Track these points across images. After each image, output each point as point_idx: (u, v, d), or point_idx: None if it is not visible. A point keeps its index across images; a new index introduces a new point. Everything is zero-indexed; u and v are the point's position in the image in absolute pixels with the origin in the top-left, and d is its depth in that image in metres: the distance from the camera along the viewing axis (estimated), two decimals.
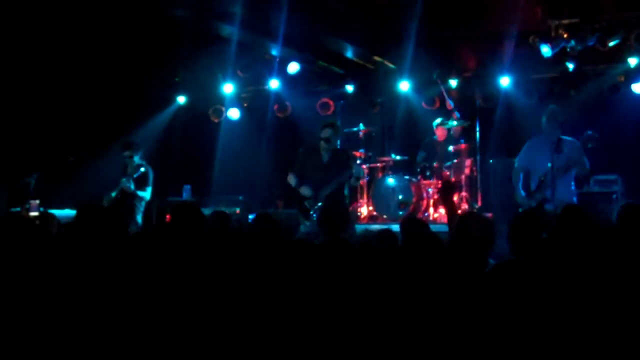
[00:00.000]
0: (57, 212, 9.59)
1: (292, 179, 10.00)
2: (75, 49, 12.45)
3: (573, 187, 9.81)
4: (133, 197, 10.87)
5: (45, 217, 7.59)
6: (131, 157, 10.96)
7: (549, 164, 9.43)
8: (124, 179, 10.81)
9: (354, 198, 13.17)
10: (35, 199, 10.88)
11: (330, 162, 10.00)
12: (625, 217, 6.32)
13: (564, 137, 9.65)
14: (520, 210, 8.92)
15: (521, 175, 9.90)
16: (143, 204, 11.10)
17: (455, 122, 13.11)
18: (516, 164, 10.15)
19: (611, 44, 12.17)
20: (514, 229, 5.78)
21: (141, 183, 10.91)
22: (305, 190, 9.82)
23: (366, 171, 13.19)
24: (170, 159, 15.19)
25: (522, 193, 9.78)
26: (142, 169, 10.89)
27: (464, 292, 2.73)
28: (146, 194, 11.02)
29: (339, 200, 9.79)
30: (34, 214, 10.33)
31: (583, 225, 5.38)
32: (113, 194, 10.87)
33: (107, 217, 3.74)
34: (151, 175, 11.04)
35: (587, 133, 9.59)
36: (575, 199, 9.78)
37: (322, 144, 10.04)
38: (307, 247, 4.67)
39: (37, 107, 13.09)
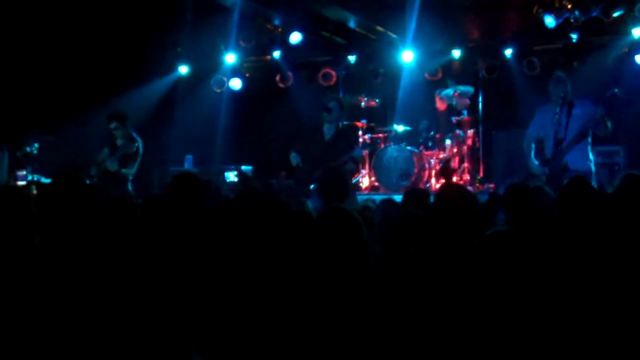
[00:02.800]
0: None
1: (293, 158, 9.97)
2: (76, 15, 12.37)
3: (590, 154, 9.69)
4: (116, 176, 10.12)
5: (29, 186, 7.50)
6: (117, 128, 10.30)
7: (562, 131, 9.30)
8: (108, 160, 10.16)
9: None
10: (34, 167, 10.80)
11: (334, 140, 9.95)
12: (626, 186, 6.33)
13: (577, 100, 9.57)
14: (528, 180, 8.87)
15: (533, 145, 9.82)
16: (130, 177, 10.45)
17: (458, 90, 13.05)
18: (527, 134, 10.08)
19: (615, 14, 12.12)
20: (507, 199, 5.80)
21: (127, 159, 10.29)
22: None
23: (368, 141, 13.17)
24: (172, 129, 15.16)
25: (535, 162, 9.72)
26: (130, 146, 10.27)
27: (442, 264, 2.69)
28: (132, 170, 10.37)
29: (338, 170, 9.73)
30: (21, 183, 10.28)
31: (586, 196, 5.37)
32: (93, 171, 10.17)
33: (79, 188, 3.69)
34: (141, 150, 10.40)
35: (614, 91, 9.41)
36: (592, 166, 9.71)
37: (325, 115, 10.00)
38: (306, 216, 4.68)
39: (39, 72, 13.00)
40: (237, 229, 3.64)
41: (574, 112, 9.31)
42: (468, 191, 5.60)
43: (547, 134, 9.62)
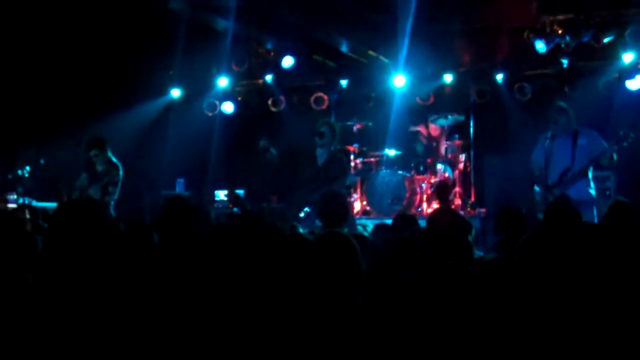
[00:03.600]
0: (48, 204, 9.57)
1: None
2: (68, 37, 12.37)
3: (592, 182, 9.72)
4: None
5: (21, 210, 7.46)
6: (97, 155, 10.19)
7: (569, 160, 9.47)
8: (91, 187, 10.08)
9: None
10: (26, 190, 10.76)
11: (327, 165, 9.96)
12: (614, 215, 6.35)
13: (581, 129, 9.67)
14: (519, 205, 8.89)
15: (537, 172, 9.86)
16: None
17: (449, 118, 13.13)
18: (532, 159, 10.10)
19: (606, 40, 12.21)
20: (497, 224, 5.80)
21: (110, 187, 10.19)
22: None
23: (360, 165, 13.17)
24: (164, 152, 15.14)
25: (536, 189, 9.76)
26: (114, 174, 10.19)
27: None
28: (114, 196, 10.28)
29: (340, 193, 9.74)
30: (11, 206, 10.24)
31: (569, 220, 5.37)
32: (75, 196, 10.00)
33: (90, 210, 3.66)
34: (121, 176, 10.30)
35: (630, 134, 9.45)
36: (594, 195, 9.75)
37: (317, 139, 10.01)
38: (302, 241, 4.66)
39: (29, 94, 12.99)
40: (229, 253, 3.62)
41: (579, 142, 9.46)
42: (461, 216, 5.62)
43: (551, 161, 9.68)
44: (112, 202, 10.27)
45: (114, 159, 10.35)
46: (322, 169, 9.93)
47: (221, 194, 13.73)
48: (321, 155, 10.03)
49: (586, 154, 9.52)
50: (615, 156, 9.49)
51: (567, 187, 9.41)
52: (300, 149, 10.58)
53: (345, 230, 6.63)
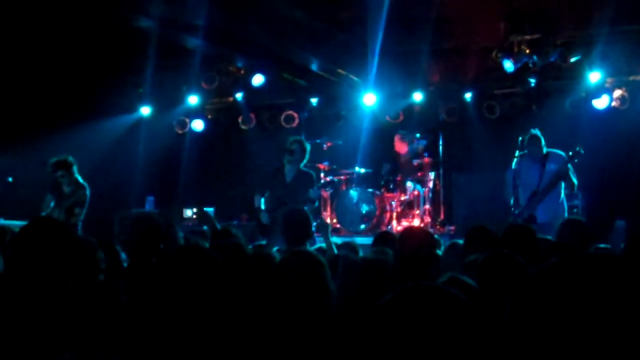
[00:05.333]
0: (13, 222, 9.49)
1: (257, 200, 10.02)
2: (38, 55, 12.30)
3: (563, 201, 9.90)
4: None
5: None
6: (64, 176, 10.13)
7: (536, 184, 9.68)
8: (56, 210, 10.00)
9: (318, 211, 13.17)
10: None
11: (294, 182, 9.98)
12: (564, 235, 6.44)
13: (551, 150, 9.82)
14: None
15: (511, 191, 9.93)
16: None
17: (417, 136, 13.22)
18: (506, 181, 10.19)
19: (572, 59, 12.35)
20: (467, 243, 5.83)
21: (75, 208, 10.16)
22: (263, 217, 9.81)
23: (329, 183, 13.17)
24: (134, 170, 15.08)
25: (512, 210, 9.85)
26: (81, 194, 10.16)
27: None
28: (80, 217, 10.22)
29: (303, 211, 9.74)
30: None
31: (525, 243, 5.41)
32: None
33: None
34: (88, 196, 10.26)
35: (576, 149, 9.64)
36: (565, 213, 9.88)
37: (287, 157, 10.03)
38: (267, 260, 4.65)
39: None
40: (193, 273, 3.60)
41: (547, 167, 9.63)
42: (431, 234, 5.64)
43: (522, 182, 9.79)
44: (79, 224, 10.21)
45: (80, 180, 10.30)
46: (291, 185, 9.94)
47: (189, 213, 13.68)
48: (289, 172, 10.05)
49: (552, 175, 9.69)
50: (574, 179, 9.67)
51: (533, 209, 9.57)
52: (269, 166, 10.61)
53: (313, 248, 6.64)
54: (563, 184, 9.84)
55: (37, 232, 3.41)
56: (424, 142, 13.41)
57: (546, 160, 9.72)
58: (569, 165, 9.70)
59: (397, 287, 2.05)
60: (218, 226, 7.32)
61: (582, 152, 9.61)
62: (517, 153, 9.90)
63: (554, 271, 1.64)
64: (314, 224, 6.94)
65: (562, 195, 9.88)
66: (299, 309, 3.68)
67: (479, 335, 1.96)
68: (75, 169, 10.28)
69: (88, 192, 10.28)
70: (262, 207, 9.92)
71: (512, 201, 9.80)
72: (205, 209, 13.59)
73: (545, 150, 9.86)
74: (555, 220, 9.23)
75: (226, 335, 3.50)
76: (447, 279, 3.84)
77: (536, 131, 10.01)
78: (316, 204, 11.06)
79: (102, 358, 2.84)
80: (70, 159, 10.31)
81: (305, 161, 10.28)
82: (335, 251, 6.62)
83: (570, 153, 9.63)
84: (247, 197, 10.47)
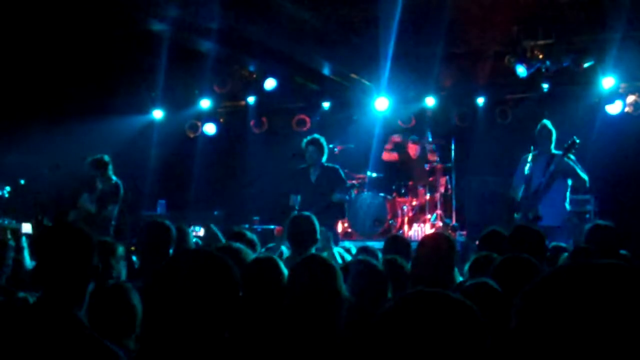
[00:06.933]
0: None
1: (292, 199, 10.04)
2: (51, 57, 12.33)
3: (565, 203, 9.81)
4: (95, 220, 9.88)
5: (4, 231, 7.42)
6: (100, 174, 10.33)
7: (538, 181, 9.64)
8: (86, 201, 10.14)
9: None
10: (5, 211, 10.69)
11: (320, 180, 10.01)
12: (595, 236, 6.40)
13: (555, 152, 9.76)
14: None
15: (519, 193, 9.90)
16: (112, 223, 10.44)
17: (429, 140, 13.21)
18: (513, 183, 10.17)
19: (586, 65, 12.29)
20: (481, 246, 5.81)
21: (106, 200, 10.26)
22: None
23: None
24: (146, 174, 15.10)
25: (516, 215, 9.81)
26: (110, 185, 10.34)
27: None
28: (112, 212, 10.37)
29: (308, 217, 9.75)
30: None
31: (532, 245, 5.38)
32: (72, 216, 10.05)
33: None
34: (121, 192, 10.48)
35: (570, 140, 9.59)
36: (564, 214, 9.82)
37: (307, 158, 10.17)
38: (273, 264, 4.62)
39: (9, 118, 12.92)
40: (199, 278, 3.59)
41: (550, 167, 9.54)
42: (451, 241, 5.59)
43: (529, 183, 9.75)
44: (113, 221, 10.39)
45: (114, 178, 10.49)
46: (316, 184, 10.00)
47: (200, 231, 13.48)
48: (314, 171, 10.13)
49: (549, 176, 9.63)
50: (582, 174, 9.56)
51: (534, 206, 9.49)
52: (294, 167, 10.66)
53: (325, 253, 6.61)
54: (569, 187, 9.77)
55: (57, 237, 3.40)
56: (435, 147, 13.40)
57: (552, 161, 9.64)
58: (575, 163, 9.60)
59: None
60: (223, 241, 7.26)
61: (578, 141, 9.54)
62: (529, 156, 9.85)
63: (552, 282, 1.62)
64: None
65: (567, 197, 9.80)
66: (311, 313, 3.67)
67: (483, 342, 1.95)
68: (110, 167, 10.46)
69: (122, 190, 10.46)
70: (297, 207, 9.91)
71: (519, 197, 9.78)
72: (215, 212, 13.63)
73: (553, 150, 9.80)
74: (554, 225, 9.23)
75: (233, 340, 3.49)
76: (476, 283, 3.81)
77: (547, 122, 9.98)
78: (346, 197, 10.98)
79: None
80: (107, 158, 10.51)
81: (325, 156, 10.30)
82: (340, 260, 6.61)
83: (565, 145, 9.57)
84: (258, 200, 10.47)
